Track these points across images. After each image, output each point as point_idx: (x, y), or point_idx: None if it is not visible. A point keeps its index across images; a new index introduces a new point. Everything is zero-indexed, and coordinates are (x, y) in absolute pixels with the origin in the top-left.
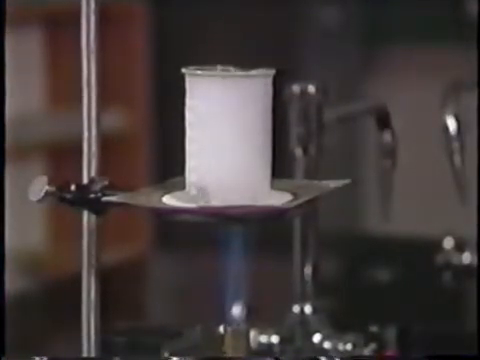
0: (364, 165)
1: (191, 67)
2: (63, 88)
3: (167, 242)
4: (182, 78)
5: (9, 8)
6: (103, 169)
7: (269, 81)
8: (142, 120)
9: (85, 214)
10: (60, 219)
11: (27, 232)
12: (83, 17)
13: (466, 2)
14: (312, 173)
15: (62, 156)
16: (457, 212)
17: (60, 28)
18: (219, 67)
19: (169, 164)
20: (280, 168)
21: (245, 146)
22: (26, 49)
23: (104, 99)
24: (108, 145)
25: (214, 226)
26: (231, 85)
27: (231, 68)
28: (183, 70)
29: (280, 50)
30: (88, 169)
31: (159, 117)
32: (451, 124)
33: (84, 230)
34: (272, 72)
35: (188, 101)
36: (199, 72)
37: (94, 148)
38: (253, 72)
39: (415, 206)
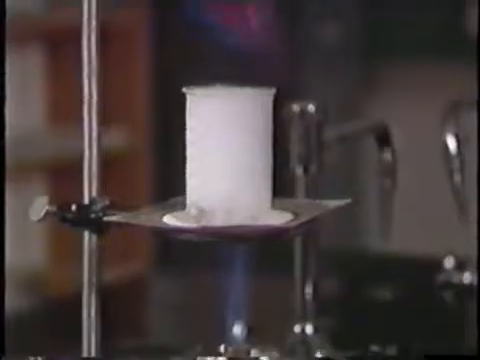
0: (364, 183)
1: (191, 86)
2: (64, 106)
3: (167, 261)
4: (183, 97)
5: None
6: (104, 187)
7: (269, 100)
8: (143, 138)
9: (86, 234)
10: (61, 238)
11: (28, 250)
12: (84, 36)
13: (466, 20)
14: (312, 192)
15: (63, 174)
16: (457, 231)
17: (61, 46)
18: (219, 86)
19: (170, 182)
20: (281, 186)
21: (245, 165)
22: (27, 67)
23: (105, 117)
24: (109, 163)
25: (215, 245)
26: (231, 104)
27: (231, 87)
28: (184, 89)
29: (280, 68)
30: (89, 188)
31: (160, 135)
32: (451, 143)
33: (85, 249)
34: (272, 91)
35: (188, 120)
36: (199, 91)
37: (95, 167)
38: (253, 91)
39: (415, 225)
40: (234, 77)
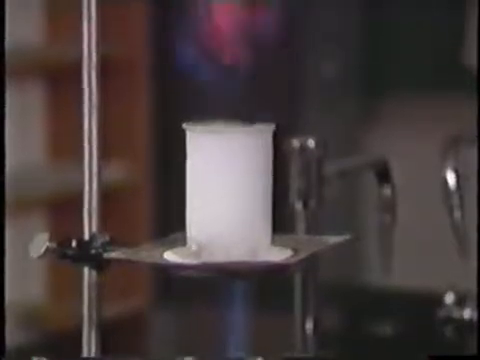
0: (364, 218)
1: (192, 122)
2: (64, 141)
3: (168, 297)
4: (183, 132)
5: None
6: (104, 222)
7: (269, 136)
8: (143, 173)
9: (86, 270)
10: (60, 273)
11: (28, 286)
12: (84, 70)
13: (465, 54)
14: (312, 226)
15: (63, 209)
16: (458, 266)
17: (61, 81)
18: (219, 123)
19: (169, 217)
20: (280, 221)
21: (245, 201)
22: (27, 102)
23: (105, 151)
24: (109, 197)
25: (215, 281)
26: (231, 141)
27: (231, 123)
28: (184, 126)
29: (280, 103)
30: (89, 224)
31: (160, 170)
32: (450, 179)
33: (85, 285)
34: (272, 127)
35: (189, 156)
36: (199, 128)
37: (95, 203)
38: (253, 128)
39: (416, 260)
40: (234, 113)
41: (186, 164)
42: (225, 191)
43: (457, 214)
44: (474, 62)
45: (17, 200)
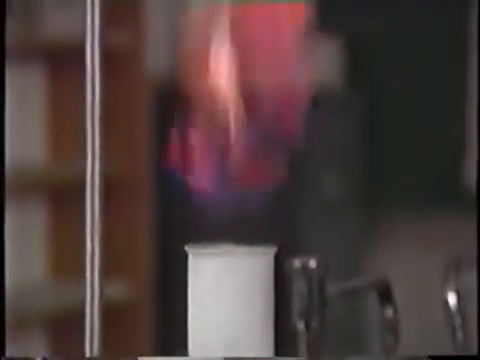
0: (367, 340)
1: (193, 244)
2: (65, 260)
3: None
4: (185, 254)
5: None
6: (105, 339)
7: (270, 258)
8: (144, 292)
9: None
10: None
11: None
12: (88, 190)
13: (465, 172)
14: (314, 348)
15: (64, 327)
16: None
17: (63, 198)
18: (220, 244)
19: (171, 336)
20: (282, 342)
21: (247, 323)
22: (28, 220)
23: (107, 269)
24: (110, 315)
25: None
26: (233, 263)
27: (232, 245)
28: (185, 248)
29: (281, 223)
30: (90, 345)
31: (161, 290)
32: (452, 301)
33: None
34: (273, 249)
35: (190, 278)
36: (201, 250)
37: (96, 324)
38: (254, 250)
39: None
40: (235, 234)
41: (187, 284)
42: (226, 313)
43: (459, 336)
44: (474, 182)
45: (17, 317)
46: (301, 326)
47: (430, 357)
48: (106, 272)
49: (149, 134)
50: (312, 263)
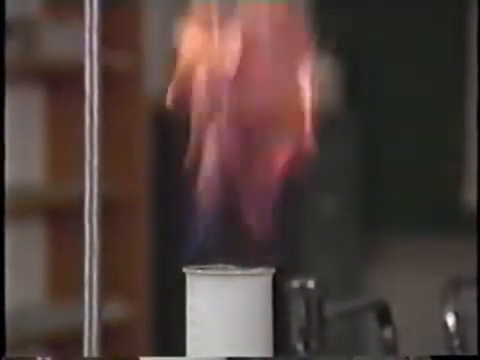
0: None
1: (192, 266)
2: (64, 279)
3: None
4: (183, 275)
5: (10, 199)
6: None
7: (269, 279)
8: (142, 313)
9: None
10: None
11: None
12: (86, 212)
13: (464, 192)
14: None
15: (62, 348)
16: None
17: (61, 220)
18: (220, 265)
19: (169, 356)
20: None
21: (245, 344)
22: (27, 240)
23: (105, 290)
24: (108, 335)
25: None
26: (231, 284)
27: (231, 267)
28: (184, 269)
29: (279, 244)
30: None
31: (159, 311)
32: (450, 321)
33: None
34: (272, 271)
35: (189, 299)
36: (200, 271)
37: (94, 345)
38: (252, 271)
39: None
40: (233, 256)
41: (185, 306)
42: (226, 334)
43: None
44: (474, 197)
45: (17, 339)
46: (300, 347)
47: (432, 357)
48: (104, 293)
49: (147, 155)
50: (311, 284)
